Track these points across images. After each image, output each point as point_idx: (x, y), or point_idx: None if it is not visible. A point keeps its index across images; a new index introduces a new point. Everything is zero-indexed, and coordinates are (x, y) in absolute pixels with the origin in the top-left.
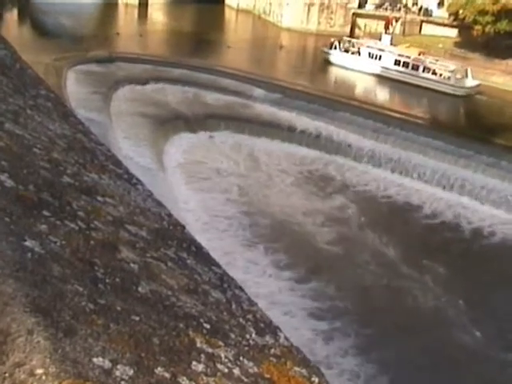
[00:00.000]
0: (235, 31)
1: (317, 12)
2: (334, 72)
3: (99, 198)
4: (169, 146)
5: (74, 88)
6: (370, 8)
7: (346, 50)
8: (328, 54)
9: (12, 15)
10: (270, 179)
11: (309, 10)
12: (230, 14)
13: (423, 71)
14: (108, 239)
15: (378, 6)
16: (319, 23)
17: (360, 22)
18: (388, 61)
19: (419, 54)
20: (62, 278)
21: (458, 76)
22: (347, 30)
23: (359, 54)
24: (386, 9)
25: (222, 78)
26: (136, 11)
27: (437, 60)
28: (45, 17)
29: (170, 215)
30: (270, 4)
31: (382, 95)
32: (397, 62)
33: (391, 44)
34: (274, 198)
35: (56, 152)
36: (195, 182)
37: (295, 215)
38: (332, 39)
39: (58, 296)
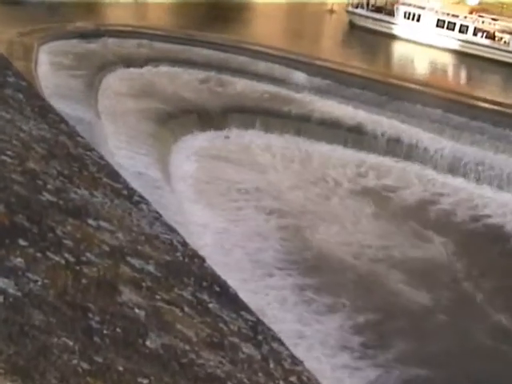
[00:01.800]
0: None
1: None
2: (391, 44)
3: (91, 222)
4: (177, 151)
5: (48, 73)
6: None
7: (378, 9)
8: (353, 14)
9: None
10: (322, 198)
11: None
12: None
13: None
14: (105, 277)
15: None
16: None
17: None
18: (429, 22)
19: (471, 13)
20: (45, 329)
21: None
22: None
23: (392, 14)
24: None
25: (248, 57)
26: None
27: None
28: None
29: (184, 244)
30: None
31: (456, 75)
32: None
33: None
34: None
35: (32, 161)
36: (212, 202)
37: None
38: None
39: (41, 352)
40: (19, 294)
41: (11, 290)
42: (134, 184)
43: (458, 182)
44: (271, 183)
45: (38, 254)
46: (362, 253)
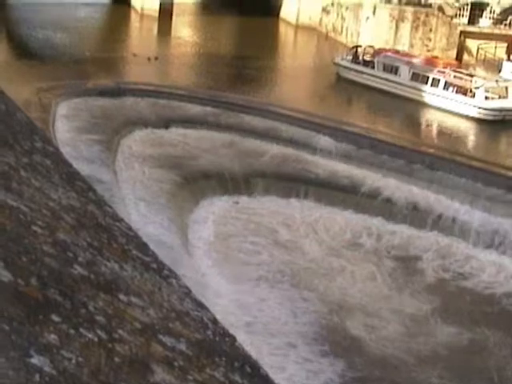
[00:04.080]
0: (293, 55)
1: (409, 30)
2: (437, 114)
3: (122, 297)
4: (196, 215)
5: (66, 131)
6: (485, 24)
7: (366, 62)
8: (338, 66)
9: None
10: (347, 278)
11: (397, 26)
12: (286, 31)
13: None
14: (137, 355)
15: (498, 22)
16: (412, 45)
17: (471, 43)
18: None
19: (445, 67)
20: None
21: None
22: (452, 54)
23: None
24: (511, 24)
25: (274, 120)
26: (155, 23)
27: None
28: (28, 29)
29: (215, 321)
30: (343, 18)
31: (489, 145)
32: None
33: None
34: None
35: (63, 231)
36: (234, 271)
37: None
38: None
39: None
40: (54, 372)
41: (47, 369)
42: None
43: (491, 255)
44: (296, 256)
45: (72, 331)
46: None
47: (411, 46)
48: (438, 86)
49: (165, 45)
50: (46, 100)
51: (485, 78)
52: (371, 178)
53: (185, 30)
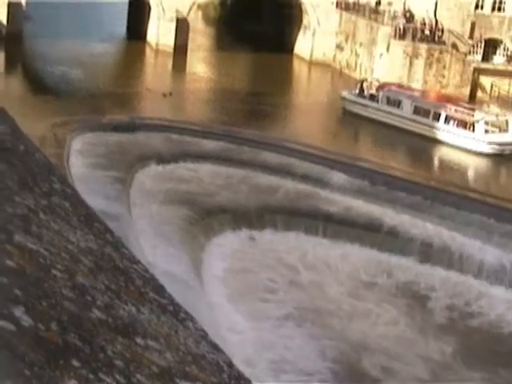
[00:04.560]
0: (306, 91)
1: (423, 66)
2: (439, 148)
3: (139, 341)
4: (210, 250)
5: (80, 166)
6: (499, 61)
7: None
8: (344, 100)
9: None
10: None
11: (411, 63)
12: (300, 67)
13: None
14: None
15: None
16: (426, 82)
17: (485, 80)
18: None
19: (447, 101)
20: None
21: None
22: (466, 91)
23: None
24: None
25: (287, 155)
26: (170, 59)
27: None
28: (43, 64)
29: (230, 364)
30: (357, 55)
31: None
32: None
33: None
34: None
35: (81, 274)
36: (250, 308)
37: None
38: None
39: None
40: None
41: None
42: (163, 282)
43: (507, 294)
44: (313, 295)
45: (91, 376)
46: None
47: (425, 82)
48: (439, 119)
49: (179, 80)
50: (61, 135)
51: (486, 113)
52: (382, 213)
53: (199, 65)
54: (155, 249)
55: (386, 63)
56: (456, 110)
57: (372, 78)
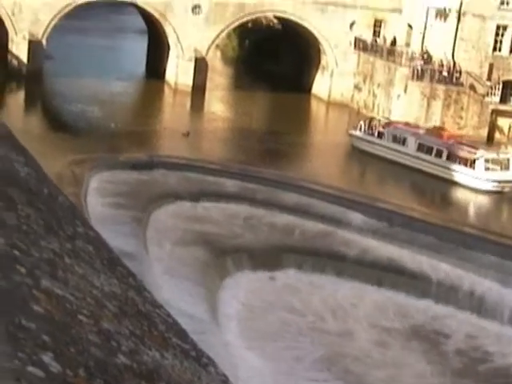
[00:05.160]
0: (323, 131)
1: (440, 108)
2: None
3: None
4: (226, 290)
5: (97, 204)
6: None
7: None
8: (351, 136)
9: (17, 99)
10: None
11: (429, 104)
12: (317, 108)
13: None
14: None
15: None
16: (443, 123)
17: (503, 122)
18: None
19: (449, 139)
20: None
21: None
22: (483, 133)
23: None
24: None
25: (305, 196)
26: (188, 98)
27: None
28: (62, 102)
29: None
30: (374, 95)
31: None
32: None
33: None
34: None
35: (106, 319)
36: (269, 350)
37: None
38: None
39: None
40: None
41: None
42: (180, 321)
43: None
44: (332, 337)
45: None
46: None
47: (442, 123)
48: (441, 156)
49: (197, 119)
50: (79, 173)
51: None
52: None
53: (217, 104)
54: (172, 288)
55: (403, 104)
56: (458, 148)
57: (380, 116)
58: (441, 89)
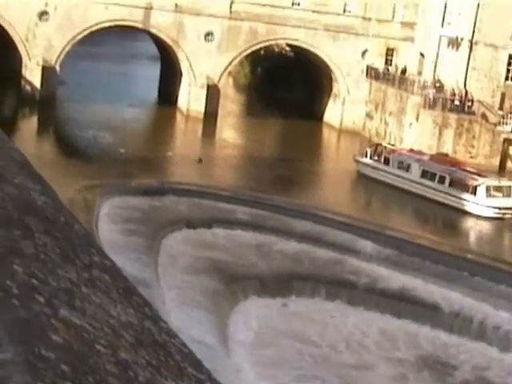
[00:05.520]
0: (334, 158)
1: (452, 136)
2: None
3: None
4: (236, 317)
5: (108, 230)
6: None
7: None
8: (358, 162)
9: (30, 124)
10: None
11: (441, 132)
12: (329, 135)
13: None
14: None
15: None
16: (455, 152)
17: None
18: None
19: (453, 166)
20: None
21: None
22: (495, 161)
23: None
24: None
25: (314, 222)
26: (200, 125)
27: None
28: (74, 128)
29: None
30: (386, 124)
31: None
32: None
33: None
34: None
35: (123, 349)
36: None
37: None
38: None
39: None
40: None
41: None
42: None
43: None
44: (343, 367)
45: None
46: None
47: (454, 152)
48: (444, 182)
49: (209, 146)
50: (90, 199)
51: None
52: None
53: (229, 131)
54: (184, 316)
55: (415, 132)
56: (460, 174)
57: (386, 143)
58: (453, 117)
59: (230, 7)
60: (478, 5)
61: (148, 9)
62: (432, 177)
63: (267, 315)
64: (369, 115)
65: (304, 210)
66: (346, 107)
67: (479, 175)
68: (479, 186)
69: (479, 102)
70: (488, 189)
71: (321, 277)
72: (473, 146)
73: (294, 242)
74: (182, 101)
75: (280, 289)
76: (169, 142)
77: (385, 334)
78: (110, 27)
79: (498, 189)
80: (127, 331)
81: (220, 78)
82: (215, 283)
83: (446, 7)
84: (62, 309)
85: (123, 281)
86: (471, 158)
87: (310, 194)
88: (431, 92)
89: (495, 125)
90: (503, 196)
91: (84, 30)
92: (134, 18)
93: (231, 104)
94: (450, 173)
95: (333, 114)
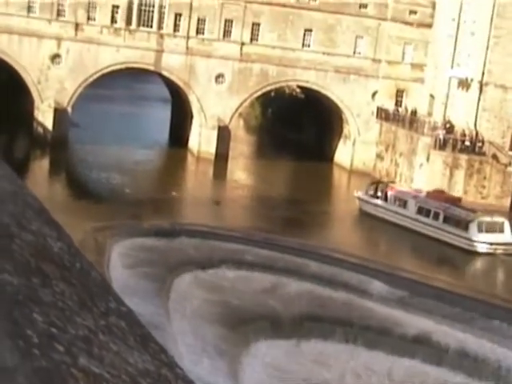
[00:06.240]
0: (344, 199)
1: (463, 177)
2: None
3: None
4: (248, 359)
5: (120, 271)
6: None
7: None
8: (358, 199)
9: (42, 166)
10: None
11: (451, 173)
12: (339, 176)
13: None
14: None
15: None
16: (466, 192)
17: None
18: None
19: (447, 202)
20: None
21: None
22: (506, 202)
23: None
24: None
25: (321, 263)
26: (211, 167)
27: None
28: (86, 169)
29: None
30: (397, 164)
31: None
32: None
33: None
34: None
35: None
36: None
37: None
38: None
39: None
40: None
41: None
42: None
43: None
44: None
45: None
46: None
47: (465, 192)
48: (438, 219)
49: (220, 188)
50: (101, 240)
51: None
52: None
53: (240, 173)
54: (195, 358)
55: (426, 173)
56: (454, 210)
57: (385, 180)
58: (463, 158)
59: (241, 49)
60: (488, 46)
61: (159, 51)
62: (427, 213)
63: (279, 357)
64: (379, 156)
65: (311, 250)
66: (357, 148)
67: (473, 211)
68: (471, 221)
69: (490, 142)
70: (480, 224)
71: (332, 318)
72: (484, 187)
73: (305, 283)
74: (193, 142)
75: (293, 330)
76: (180, 184)
77: (400, 376)
78: (121, 70)
79: (491, 224)
80: (145, 379)
81: (231, 120)
82: (226, 325)
83: (455, 48)
84: (80, 357)
85: (139, 327)
86: (482, 198)
87: (315, 233)
88: (441, 133)
89: (506, 165)
90: (495, 232)
91: (96, 73)
92: (145, 60)
93: (242, 145)
94: (444, 209)
95: (343, 155)
